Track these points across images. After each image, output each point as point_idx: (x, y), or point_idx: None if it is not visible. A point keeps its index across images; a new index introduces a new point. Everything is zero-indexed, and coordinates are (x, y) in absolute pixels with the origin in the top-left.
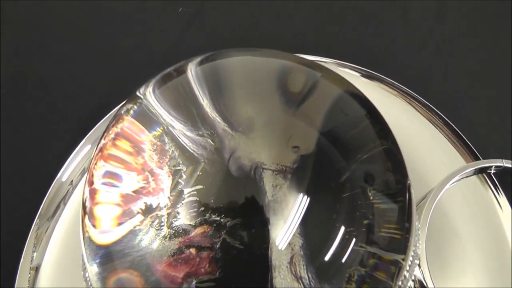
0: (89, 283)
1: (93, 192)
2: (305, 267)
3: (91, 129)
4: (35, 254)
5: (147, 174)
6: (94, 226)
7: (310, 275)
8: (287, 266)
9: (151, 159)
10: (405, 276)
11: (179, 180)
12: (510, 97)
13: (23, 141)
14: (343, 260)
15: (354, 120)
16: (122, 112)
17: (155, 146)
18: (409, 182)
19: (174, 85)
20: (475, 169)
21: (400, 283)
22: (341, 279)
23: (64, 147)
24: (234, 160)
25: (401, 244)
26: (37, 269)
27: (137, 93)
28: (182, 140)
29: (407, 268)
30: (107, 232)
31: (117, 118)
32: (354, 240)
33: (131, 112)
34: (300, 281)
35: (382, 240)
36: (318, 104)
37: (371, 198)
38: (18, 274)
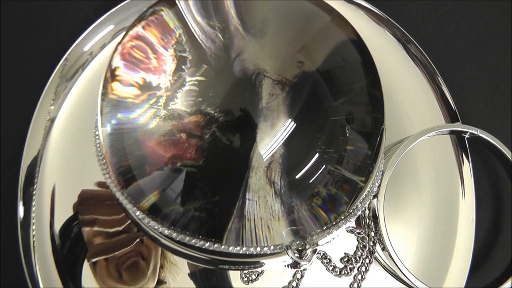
0: (97, 138)
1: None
2: (280, 174)
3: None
4: (52, 107)
5: (144, 47)
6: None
7: (282, 182)
8: (264, 169)
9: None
10: (356, 206)
11: (183, 67)
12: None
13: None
14: (314, 176)
15: (349, 65)
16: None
17: (156, 20)
18: (383, 127)
19: None
20: (451, 130)
21: (351, 210)
22: (309, 192)
23: (86, 20)
24: (239, 61)
25: (364, 175)
26: (52, 120)
27: None
28: (191, 25)
29: (361, 199)
30: (120, 99)
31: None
32: (328, 160)
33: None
34: (272, 186)
35: (350, 167)
36: (322, 44)
37: (347, 132)
38: (32, 122)
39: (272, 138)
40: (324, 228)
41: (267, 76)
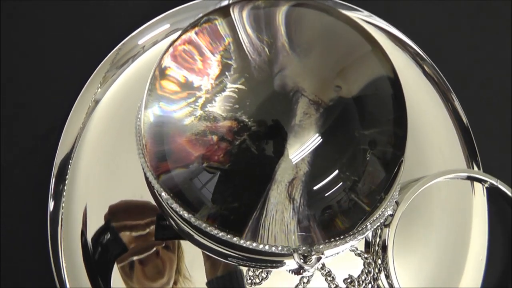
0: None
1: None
2: (300, 191)
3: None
4: (99, 90)
5: (193, 50)
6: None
7: (302, 201)
8: (286, 185)
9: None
10: (366, 225)
11: (226, 73)
12: None
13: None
14: (331, 191)
15: (380, 96)
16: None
17: (209, 28)
18: (402, 159)
19: None
20: (471, 176)
21: (360, 229)
22: (323, 204)
23: (144, 17)
24: (281, 77)
25: (378, 198)
26: (97, 102)
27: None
28: (241, 36)
29: (371, 221)
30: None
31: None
32: (347, 179)
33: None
34: (291, 202)
35: (366, 189)
36: (359, 72)
37: (368, 157)
38: (78, 99)
39: (298, 155)
40: (332, 240)
41: (304, 95)
